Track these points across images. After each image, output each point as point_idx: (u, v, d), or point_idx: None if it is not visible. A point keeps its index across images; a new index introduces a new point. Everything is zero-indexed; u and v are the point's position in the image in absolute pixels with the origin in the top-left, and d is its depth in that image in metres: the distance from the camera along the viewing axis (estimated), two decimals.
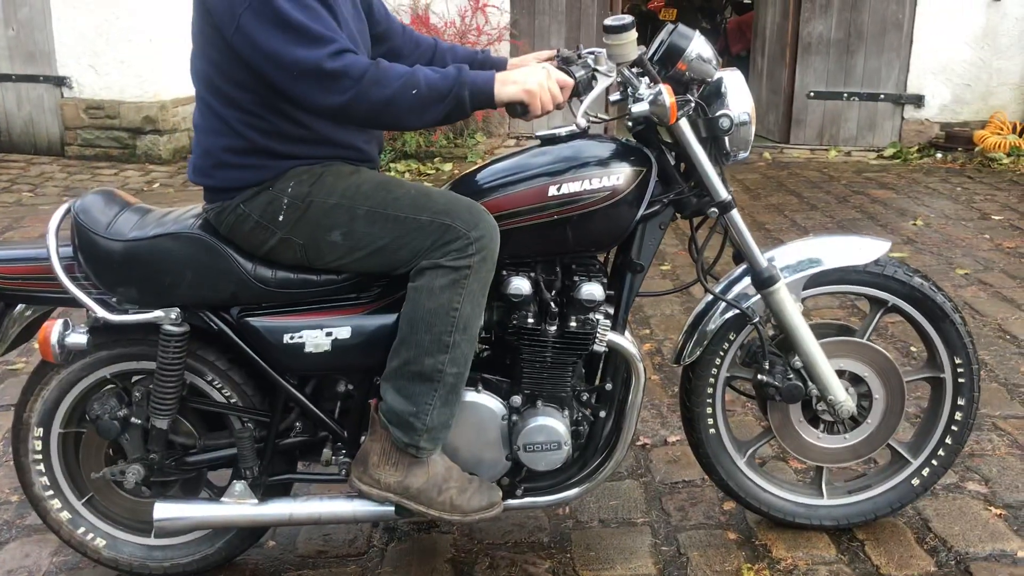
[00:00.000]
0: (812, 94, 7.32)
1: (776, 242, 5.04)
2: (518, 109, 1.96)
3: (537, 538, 2.53)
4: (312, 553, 2.52)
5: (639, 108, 2.06)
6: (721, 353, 2.35)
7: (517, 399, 2.21)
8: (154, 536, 2.34)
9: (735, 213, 2.21)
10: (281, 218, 2.08)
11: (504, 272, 2.17)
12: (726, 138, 2.17)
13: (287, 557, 2.51)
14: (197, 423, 2.36)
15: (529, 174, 2.15)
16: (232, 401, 2.29)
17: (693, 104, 2.13)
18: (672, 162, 2.23)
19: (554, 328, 2.17)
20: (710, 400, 2.37)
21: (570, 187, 2.11)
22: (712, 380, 2.36)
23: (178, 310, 2.17)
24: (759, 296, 2.26)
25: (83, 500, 2.39)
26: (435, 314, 2.03)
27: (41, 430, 2.31)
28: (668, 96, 2.03)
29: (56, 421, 2.31)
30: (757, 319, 2.26)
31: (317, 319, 2.18)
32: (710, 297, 2.32)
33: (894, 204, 5.75)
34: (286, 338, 2.17)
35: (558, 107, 1.99)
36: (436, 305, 2.02)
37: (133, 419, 2.26)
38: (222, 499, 2.29)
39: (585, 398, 2.27)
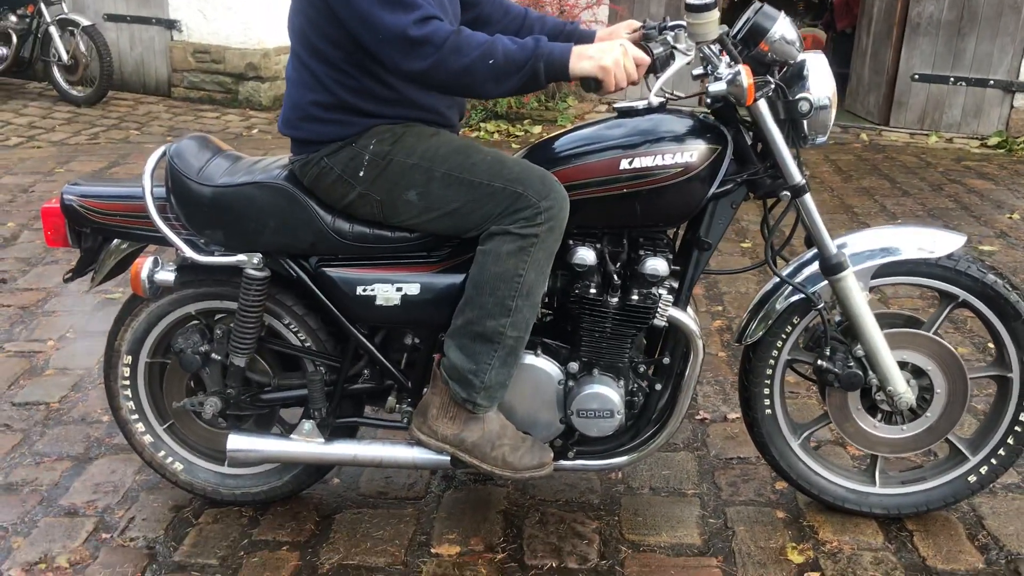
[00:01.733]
0: (917, 76, 7.09)
1: (862, 226, 4.97)
2: (591, 84, 1.99)
3: (588, 499, 2.60)
4: (373, 493, 2.65)
5: (716, 87, 2.08)
6: (783, 336, 2.36)
7: (574, 365, 2.27)
8: (227, 465, 2.48)
9: (808, 197, 2.22)
10: (362, 174, 2.17)
11: (571, 241, 2.22)
12: (804, 122, 2.17)
13: (349, 495, 2.64)
14: (273, 363, 2.49)
15: (602, 146, 2.19)
16: (307, 345, 2.40)
17: (773, 86, 2.13)
18: (748, 142, 2.24)
19: (615, 300, 2.22)
20: (768, 381, 2.39)
21: (642, 161, 2.14)
22: (772, 362, 2.38)
23: (260, 256, 2.29)
24: (826, 282, 2.26)
25: (165, 426, 2.56)
26: (500, 278, 2.10)
27: (130, 358, 2.47)
28: (746, 77, 2.04)
29: (144, 351, 2.47)
30: (822, 305, 2.26)
31: (389, 274, 2.27)
32: (778, 279, 2.33)
33: (991, 195, 5.57)
34: (359, 290, 2.27)
35: (632, 84, 2.02)
36: (502, 270, 2.09)
37: (213, 355, 2.40)
38: (291, 436, 2.42)
39: (642, 370, 2.32)
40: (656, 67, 2.04)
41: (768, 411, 2.42)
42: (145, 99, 8.06)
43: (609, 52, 1.97)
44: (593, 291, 2.22)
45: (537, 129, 7.00)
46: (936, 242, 2.28)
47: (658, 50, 2.04)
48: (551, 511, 2.55)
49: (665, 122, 2.20)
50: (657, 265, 2.20)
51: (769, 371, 2.39)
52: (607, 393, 2.24)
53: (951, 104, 7.09)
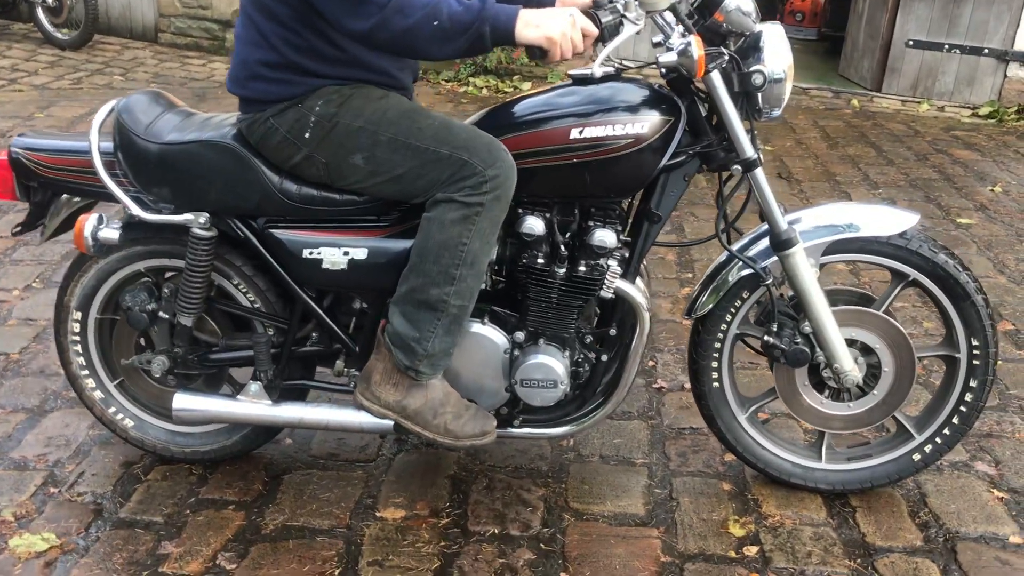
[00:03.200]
0: (911, 42, 7.00)
1: (842, 195, 4.96)
2: (536, 53, 1.96)
3: (536, 466, 2.61)
4: (324, 455, 2.66)
5: (666, 58, 2.04)
6: (733, 310, 2.35)
7: (520, 335, 2.26)
8: (174, 423, 2.48)
9: (759, 172, 2.19)
10: (307, 135, 2.14)
11: (520, 210, 2.20)
12: (759, 94, 2.13)
13: (300, 455, 2.65)
14: (222, 323, 2.48)
15: (554, 114, 2.16)
16: (255, 306, 2.39)
17: (727, 58, 2.09)
18: (704, 113, 2.21)
19: (563, 270, 2.20)
20: (716, 354, 2.39)
21: (593, 131, 2.12)
22: (721, 335, 2.37)
23: (207, 215, 2.26)
24: (775, 257, 2.25)
25: (115, 383, 2.56)
26: (444, 247, 2.08)
27: (80, 314, 2.46)
28: (697, 48, 2.00)
29: (93, 307, 2.46)
30: (770, 280, 2.25)
31: (336, 237, 2.25)
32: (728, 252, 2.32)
33: (976, 167, 5.53)
34: (305, 252, 2.26)
35: (578, 55, 1.98)
36: (446, 238, 2.07)
37: (161, 313, 2.39)
38: (238, 396, 2.42)
39: (589, 341, 2.31)
40: (604, 36, 2.01)
41: (716, 384, 2.42)
42: (131, 44, 7.96)
43: (556, 21, 1.93)
44: (540, 261, 2.20)
45: (527, 85, 6.93)
46: (889, 220, 2.26)
47: (607, 18, 2.00)
48: (499, 477, 2.56)
49: (619, 91, 2.17)
50: (605, 237, 2.18)
51: (718, 344, 2.38)
52: (551, 364, 2.23)
53: (944, 71, 7.01)
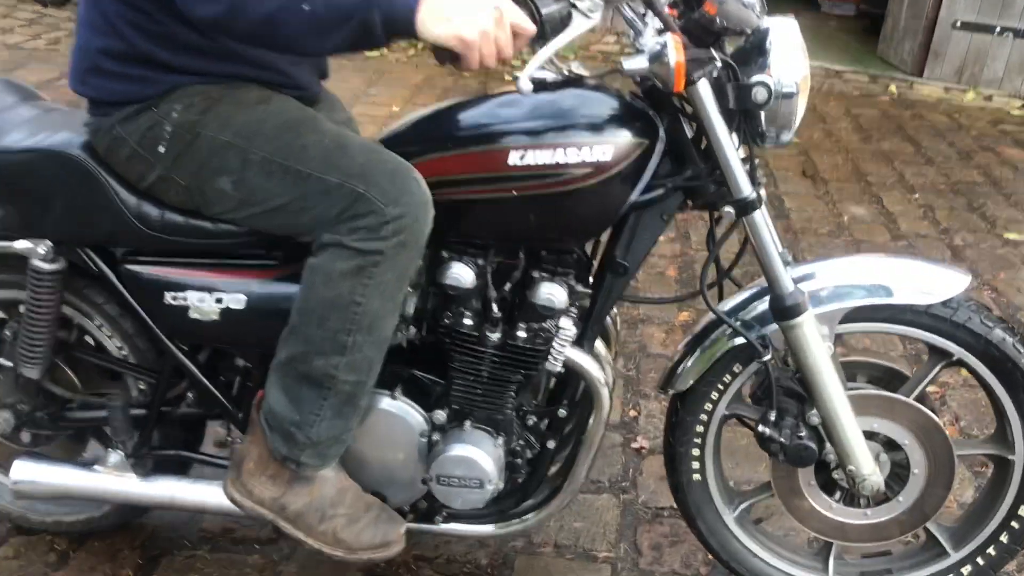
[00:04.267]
0: (959, 23, 6.33)
1: (872, 199, 4.37)
2: (447, 56, 1.42)
3: (474, 557, 2.11)
4: (217, 531, 2.17)
5: (633, 64, 1.50)
6: (720, 386, 1.83)
7: (441, 414, 1.75)
8: (14, 496, 2.00)
9: (758, 216, 1.65)
10: (162, 149, 1.62)
11: (445, 253, 1.68)
12: (762, 113, 1.59)
13: (187, 530, 2.16)
14: (84, 373, 1.98)
15: (490, 131, 1.63)
16: (123, 353, 1.90)
17: (718, 64, 1.55)
18: (690, 134, 1.67)
19: (496, 335, 1.68)
20: (699, 440, 1.87)
21: (538, 156, 1.59)
22: (705, 417, 1.85)
23: (49, 243, 1.77)
24: (776, 326, 1.71)
25: None
26: (332, 306, 1.57)
27: None
28: (675, 51, 1.46)
29: None
30: (770, 356, 1.72)
31: (208, 278, 1.74)
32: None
33: None
34: (168, 297, 1.75)
35: (503, 63, 1.44)
36: (334, 295, 1.56)
37: (2, 360, 1.90)
38: (95, 467, 1.93)
39: (532, 422, 1.80)
40: (546, 33, 1.46)
41: (697, 476, 1.90)
42: None
43: (476, 16, 1.38)
44: (468, 322, 1.69)
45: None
46: (931, 282, 1.71)
47: (550, 8, 1.45)
48: (426, 572, 2.06)
49: (578, 103, 1.64)
50: (553, 293, 1.66)
51: (700, 428, 1.86)
52: (477, 458, 1.71)
53: (994, 57, 6.35)
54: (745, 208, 1.63)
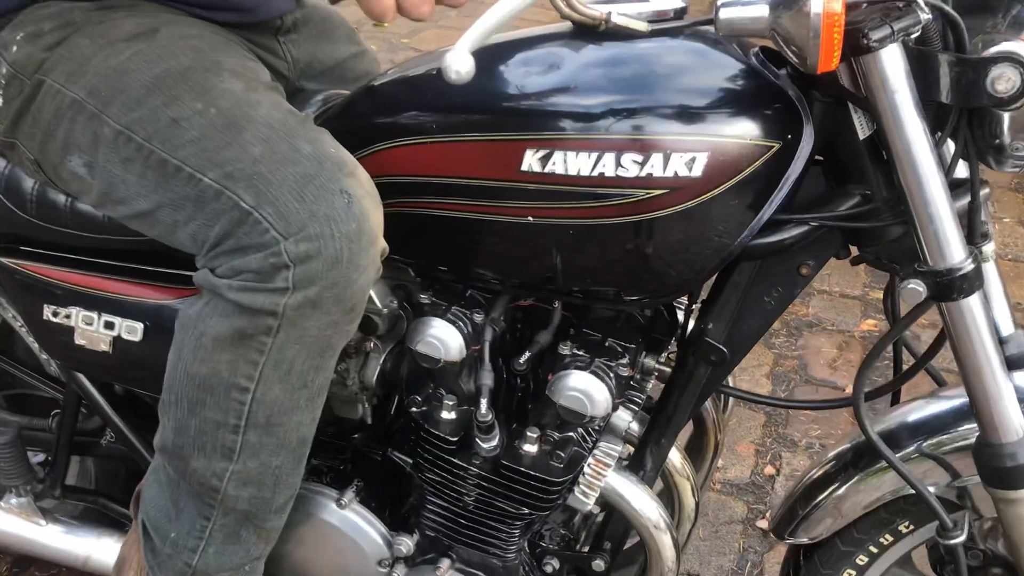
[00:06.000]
0: None
1: None
2: None
3: None
4: None
5: (732, 14, 0.76)
6: (873, 549, 1.10)
7: (407, 542, 1.12)
8: None
9: (973, 302, 0.88)
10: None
11: (423, 298, 1.03)
12: (1005, 116, 0.82)
13: None
14: None
15: (490, 106, 0.94)
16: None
17: (922, 17, 0.78)
18: (863, 134, 0.91)
19: (490, 445, 1.02)
20: None
21: (573, 161, 0.89)
22: None
23: None
24: (978, 479, 0.97)
25: None
26: (206, 388, 0.96)
27: None
28: None
29: None
30: (963, 537, 0.97)
31: (99, 291, 1.18)
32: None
33: None
34: (46, 311, 1.21)
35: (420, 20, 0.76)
36: (207, 371, 0.95)
37: None
38: None
39: (550, 571, 1.13)
40: None
41: None
42: None
43: None
44: (447, 416, 1.04)
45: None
46: None
47: None
48: None
49: (657, 69, 0.93)
50: (589, 389, 0.98)
51: None
52: None
53: None
54: (948, 288, 0.86)
